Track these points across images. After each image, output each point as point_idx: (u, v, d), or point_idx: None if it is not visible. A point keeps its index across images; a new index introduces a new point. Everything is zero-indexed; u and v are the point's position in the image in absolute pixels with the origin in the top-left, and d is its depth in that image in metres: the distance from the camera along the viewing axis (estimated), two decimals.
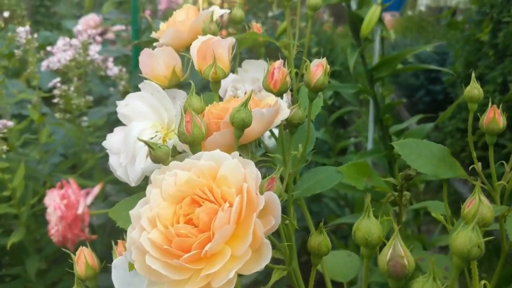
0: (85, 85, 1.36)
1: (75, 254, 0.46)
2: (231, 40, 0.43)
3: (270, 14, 3.28)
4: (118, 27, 1.89)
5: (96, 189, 0.95)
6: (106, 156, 1.34)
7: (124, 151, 0.44)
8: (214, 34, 0.51)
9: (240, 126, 0.36)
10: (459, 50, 2.84)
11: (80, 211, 0.90)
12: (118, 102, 0.47)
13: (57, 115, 1.22)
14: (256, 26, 0.58)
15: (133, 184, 0.43)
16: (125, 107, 0.46)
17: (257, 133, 0.38)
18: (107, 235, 1.14)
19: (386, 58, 1.02)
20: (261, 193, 0.32)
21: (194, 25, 0.51)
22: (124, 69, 1.41)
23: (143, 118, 0.46)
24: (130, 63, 1.54)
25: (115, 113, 1.20)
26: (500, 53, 2.34)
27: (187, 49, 0.54)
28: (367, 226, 0.30)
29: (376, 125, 1.11)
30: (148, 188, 0.35)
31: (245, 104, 0.36)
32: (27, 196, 1.25)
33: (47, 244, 1.33)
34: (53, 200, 0.92)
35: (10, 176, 1.18)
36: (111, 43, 2.03)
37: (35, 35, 1.31)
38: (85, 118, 1.31)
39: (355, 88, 1.02)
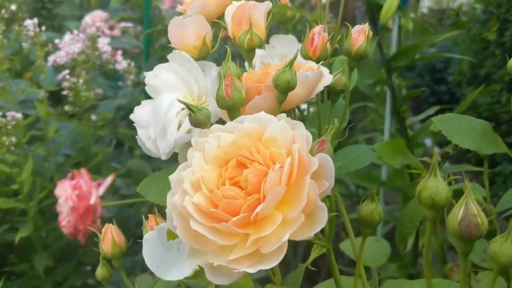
0: (93, 79, 1.34)
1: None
2: (268, 4, 0.41)
3: None
4: (124, 24, 1.87)
5: (108, 180, 0.93)
6: (114, 153, 1.32)
7: (154, 123, 0.42)
8: None
9: (285, 88, 0.34)
10: (465, 49, 2.83)
11: (92, 201, 0.87)
12: (146, 73, 0.45)
13: (66, 107, 1.19)
14: (285, 1, 0.56)
15: (163, 157, 0.41)
16: (154, 78, 0.44)
17: (300, 98, 0.36)
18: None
19: (404, 47, 1.00)
20: (312, 155, 0.30)
21: None
22: (132, 63, 1.39)
23: (173, 89, 0.43)
24: (139, 59, 1.52)
25: (125, 107, 1.18)
26: (507, 51, 2.32)
27: (213, 22, 0.52)
28: (434, 185, 0.27)
29: (392, 117, 1.09)
30: (189, 151, 0.32)
31: (290, 65, 0.34)
32: (35, 192, 1.22)
33: (55, 241, 1.30)
34: (65, 191, 0.89)
35: (18, 171, 1.16)
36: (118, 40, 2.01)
37: (43, 28, 1.29)
38: (93, 115, 1.29)
39: (373, 77, 1.00)
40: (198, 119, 0.33)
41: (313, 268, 0.41)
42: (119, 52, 1.34)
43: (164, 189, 0.40)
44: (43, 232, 1.30)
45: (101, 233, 0.43)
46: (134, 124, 0.45)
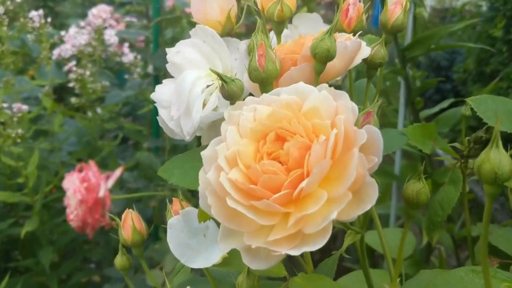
0: (99, 72, 1.31)
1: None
2: None
3: None
4: (129, 18, 1.85)
5: (117, 172, 0.90)
6: (119, 148, 1.29)
7: (177, 102, 0.39)
8: None
9: (324, 57, 0.31)
10: (471, 47, 2.80)
11: (101, 194, 0.85)
12: (168, 50, 0.42)
13: (73, 100, 1.17)
14: None
15: (187, 138, 0.39)
16: (176, 54, 0.41)
17: (338, 70, 0.34)
18: None
19: (419, 37, 0.98)
20: (358, 128, 0.28)
21: None
22: (139, 56, 1.37)
23: (196, 67, 0.41)
24: (145, 52, 1.49)
25: (130, 103, 1.15)
26: None
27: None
28: (497, 157, 0.25)
29: (407, 109, 1.06)
30: (223, 125, 0.30)
31: (330, 32, 0.31)
32: (40, 186, 1.20)
33: (60, 236, 1.28)
34: (73, 183, 0.87)
35: (23, 164, 1.14)
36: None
37: (49, 19, 1.27)
38: (98, 109, 1.27)
39: (387, 68, 0.97)
40: (231, 90, 0.31)
41: (347, 256, 0.38)
42: (126, 45, 1.32)
43: (189, 171, 0.37)
44: (48, 228, 1.28)
45: (114, 225, 0.41)
46: (155, 104, 0.42)
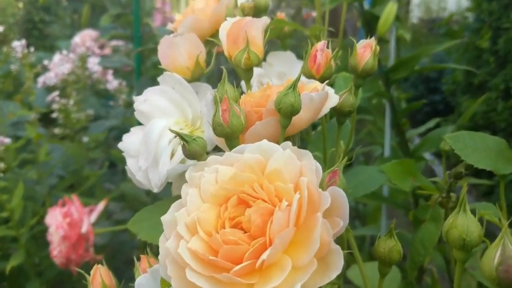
0: (84, 100, 1.30)
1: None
2: (266, 20, 0.37)
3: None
4: (115, 42, 1.84)
5: (101, 206, 0.89)
6: (108, 173, 1.28)
7: (144, 153, 0.38)
8: None
9: (289, 112, 0.30)
10: (459, 58, 2.82)
11: (84, 229, 0.83)
12: (135, 98, 0.41)
13: (57, 130, 1.15)
14: (281, 15, 0.52)
15: (155, 190, 0.37)
16: (144, 103, 0.40)
17: (305, 122, 0.33)
18: (112, 256, 1.07)
19: (402, 59, 0.97)
20: (323, 189, 0.27)
21: (215, 12, 0.46)
22: (124, 83, 1.36)
23: (165, 114, 0.40)
24: (130, 77, 1.49)
25: (117, 127, 1.14)
26: (501, 59, 2.31)
27: (206, 41, 0.49)
28: (465, 223, 0.24)
29: (392, 131, 1.06)
30: (183, 188, 0.29)
31: (294, 86, 0.30)
32: (26, 217, 1.18)
33: (48, 268, 1.26)
34: (55, 219, 0.85)
35: (8, 197, 1.12)
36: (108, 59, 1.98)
37: (31, 49, 1.26)
38: (85, 137, 1.25)
39: (372, 90, 0.97)
40: (193, 150, 0.30)
41: None
42: (110, 72, 1.31)
43: (158, 226, 0.36)
44: (36, 259, 1.26)
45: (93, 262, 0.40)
46: (123, 154, 0.41)
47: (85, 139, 1.26)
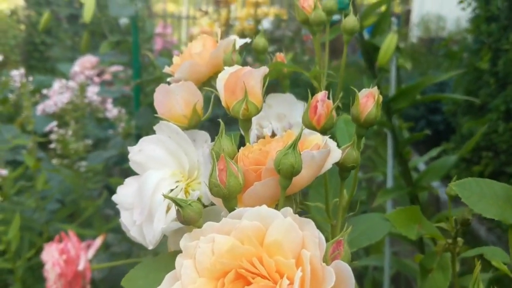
0: (82, 128, 1.29)
1: None
2: (264, 69, 0.36)
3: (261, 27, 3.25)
4: (115, 68, 1.84)
5: (98, 242, 0.86)
6: (106, 202, 1.26)
7: (139, 207, 0.37)
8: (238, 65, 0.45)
9: (289, 173, 0.29)
10: (459, 79, 2.82)
11: (81, 267, 0.81)
12: (130, 148, 0.40)
13: (54, 161, 1.14)
14: (280, 56, 0.51)
15: (150, 247, 0.36)
16: (139, 153, 0.39)
17: (306, 181, 0.31)
18: None
19: (404, 88, 0.96)
20: (327, 262, 0.25)
21: (213, 56, 0.45)
22: (123, 110, 1.35)
23: (161, 165, 0.38)
24: (130, 104, 1.48)
25: (115, 156, 1.12)
26: (501, 80, 2.31)
27: (204, 84, 0.48)
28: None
29: (395, 160, 1.04)
30: (178, 259, 0.27)
31: (294, 146, 0.29)
32: (23, 249, 1.16)
33: None
34: (52, 256, 0.83)
35: (5, 228, 1.10)
36: (108, 84, 1.98)
37: (30, 78, 1.25)
38: (83, 163, 1.24)
39: None
40: (188, 217, 0.28)
41: None
42: (109, 100, 1.30)
43: (154, 284, 0.34)
44: None
45: None
46: (117, 206, 0.39)
47: (83, 167, 1.25)
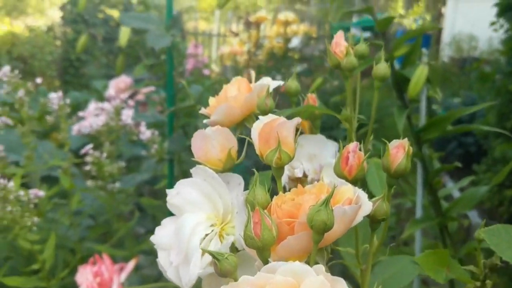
0: (116, 149, 1.33)
1: None
2: (297, 120, 0.38)
3: (294, 70, 3.25)
4: (148, 89, 1.89)
5: (130, 265, 0.89)
6: (137, 224, 1.29)
7: (176, 249, 0.39)
8: (271, 110, 0.46)
9: (321, 230, 0.30)
10: (491, 101, 2.79)
11: None
12: (168, 191, 0.42)
13: (89, 182, 1.18)
14: (312, 97, 0.53)
15: None
16: (176, 196, 0.41)
17: (337, 234, 0.32)
18: None
19: (435, 119, 0.96)
20: None
21: (247, 100, 0.47)
22: (156, 132, 1.38)
23: (196, 208, 0.40)
24: (163, 125, 1.52)
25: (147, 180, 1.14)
26: None
27: (238, 124, 0.50)
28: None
29: (424, 189, 1.04)
30: None
31: (326, 203, 0.30)
32: (57, 267, 1.19)
33: None
34: (86, 278, 0.86)
35: (40, 247, 1.14)
36: (141, 104, 2.03)
37: (67, 101, 1.30)
38: (116, 184, 1.28)
39: None
40: (224, 270, 0.30)
41: None
42: (143, 123, 1.33)
43: None
44: None
45: None
46: (155, 246, 0.41)
47: (116, 188, 1.28)
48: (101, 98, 3.31)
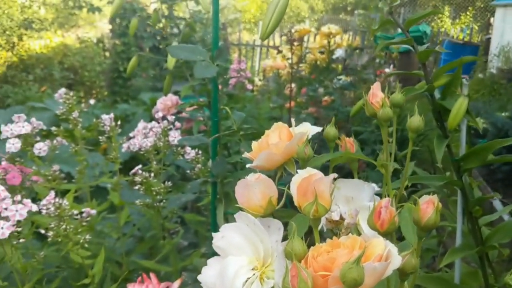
0: (163, 168, 1.39)
1: None
2: (333, 175, 0.41)
3: (337, 82, 3.25)
4: (193, 108, 1.95)
5: (176, 285, 0.94)
6: (183, 227, 1.34)
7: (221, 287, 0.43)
8: (309, 157, 0.50)
9: (352, 285, 0.33)
10: None
11: None
12: (214, 234, 0.46)
13: (137, 202, 1.24)
14: (349, 141, 0.56)
15: None
16: (222, 239, 0.45)
17: (368, 287, 0.35)
18: None
19: (475, 148, 0.97)
20: None
21: (288, 147, 0.50)
22: (200, 152, 1.44)
23: (239, 251, 0.44)
24: (207, 146, 1.57)
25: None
26: None
27: (278, 168, 0.53)
28: None
29: (464, 217, 1.04)
30: None
31: (358, 261, 0.33)
32: (106, 282, 1.26)
33: None
34: None
35: (91, 262, 1.20)
36: (186, 120, 2.09)
37: (119, 123, 1.36)
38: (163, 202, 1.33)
39: (443, 179, 0.97)
40: None
41: None
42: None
43: None
44: None
45: None
46: (201, 284, 0.45)
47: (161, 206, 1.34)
48: (148, 110, 3.41)
